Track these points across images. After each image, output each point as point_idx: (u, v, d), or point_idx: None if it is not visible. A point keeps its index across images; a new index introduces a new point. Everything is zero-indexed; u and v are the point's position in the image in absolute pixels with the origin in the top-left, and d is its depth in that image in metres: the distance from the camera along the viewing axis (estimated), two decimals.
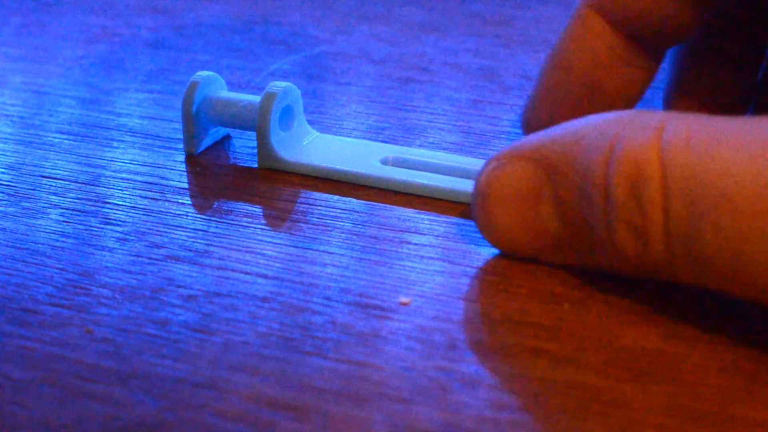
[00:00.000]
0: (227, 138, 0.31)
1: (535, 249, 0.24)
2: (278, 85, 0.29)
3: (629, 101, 0.27)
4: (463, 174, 0.28)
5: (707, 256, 0.20)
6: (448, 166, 0.29)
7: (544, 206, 0.24)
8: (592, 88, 0.27)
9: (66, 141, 0.31)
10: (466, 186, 0.27)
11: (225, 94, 0.30)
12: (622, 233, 0.22)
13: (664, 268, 0.22)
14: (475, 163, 0.29)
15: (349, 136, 0.31)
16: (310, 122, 0.32)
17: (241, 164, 0.30)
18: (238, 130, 0.31)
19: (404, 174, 0.28)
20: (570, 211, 0.23)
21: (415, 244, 0.26)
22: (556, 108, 0.27)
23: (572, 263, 0.24)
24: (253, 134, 0.31)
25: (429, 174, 0.28)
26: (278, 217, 0.27)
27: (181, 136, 0.31)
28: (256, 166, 0.30)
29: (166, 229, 0.26)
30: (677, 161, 0.21)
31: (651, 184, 0.21)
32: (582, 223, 0.23)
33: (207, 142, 0.31)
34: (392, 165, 0.29)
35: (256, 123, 0.29)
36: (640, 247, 0.22)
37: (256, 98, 0.29)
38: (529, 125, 0.28)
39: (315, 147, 0.30)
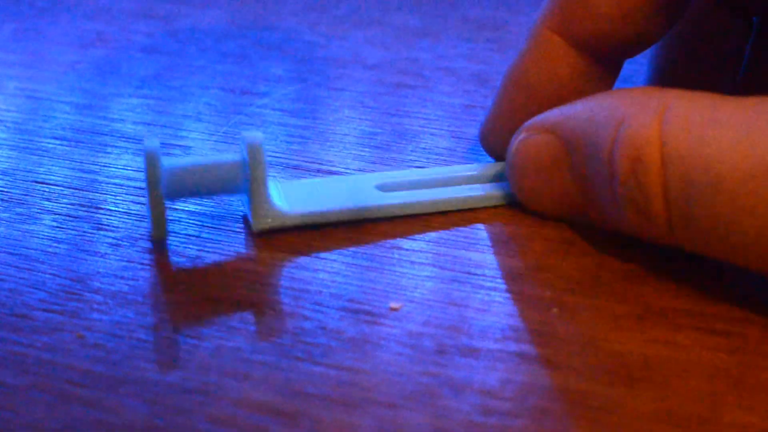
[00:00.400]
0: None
1: (561, 211, 0.26)
2: (254, 135, 0.25)
3: None
4: (459, 181, 0.29)
5: (704, 231, 0.22)
6: (440, 178, 0.29)
7: (565, 174, 0.25)
8: (552, 107, 0.27)
9: (60, 146, 0.31)
10: (471, 192, 0.28)
11: (191, 160, 0.25)
12: (626, 208, 0.23)
13: (667, 239, 0.23)
14: (463, 169, 0.29)
15: (341, 142, 0.32)
16: (303, 127, 0.32)
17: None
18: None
19: (411, 196, 0.28)
20: (584, 181, 0.25)
21: (406, 250, 0.26)
22: (516, 125, 0.27)
23: (596, 225, 0.26)
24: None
25: (433, 189, 0.28)
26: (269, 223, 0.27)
27: (173, 142, 0.31)
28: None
29: None
30: (676, 144, 0.22)
31: (651, 167, 0.22)
32: (595, 194, 0.25)
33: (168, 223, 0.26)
34: (392, 189, 0.28)
35: (251, 181, 0.25)
36: (644, 221, 0.23)
37: (235, 156, 0.26)
38: (487, 142, 0.29)
39: (295, 194, 0.27)
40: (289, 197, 0.27)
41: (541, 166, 0.26)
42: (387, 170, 0.30)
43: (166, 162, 0.25)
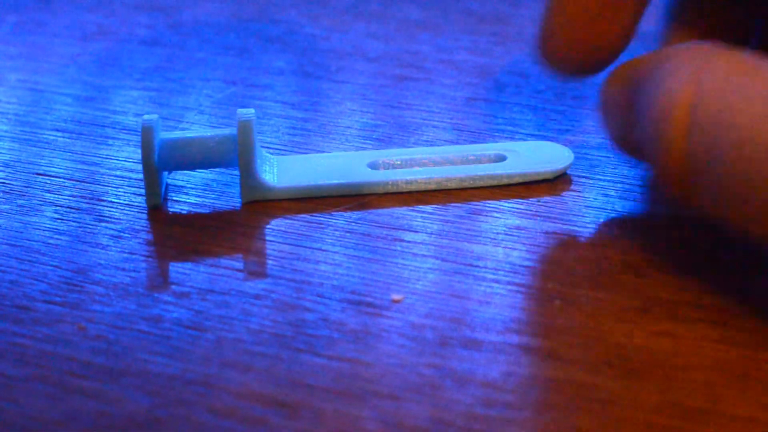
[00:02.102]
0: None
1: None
2: (246, 112, 0.27)
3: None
4: (454, 161, 0.29)
5: (720, 189, 0.22)
6: (435, 158, 0.29)
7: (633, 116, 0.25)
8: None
9: (61, 138, 0.31)
10: (462, 172, 0.28)
11: (185, 134, 0.27)
12: (654, 140, 0.23)
13: (685, 184, 0.23)
14: (458, 150, 0.29)
15: (342, 135, 0.31)
16: (304, 120, 0.32)
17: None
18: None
19: (400, 174, 0.28)
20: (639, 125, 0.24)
21: (408, 242, 0.26)
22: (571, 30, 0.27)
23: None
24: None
25: (423, 169, 0.29)
26: (271, 215, 0.27)
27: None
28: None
29: (159, 227, 0.27)
30: (706, 108, 0.22)
31: (678, 124, 0.22)
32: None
33: (163, 190, 0.28)
34: (383, 168, 0.29)
35: (240, 156, 0.27)
36: (667, 160, 0.23)
37: (225, 131, 0.27)
38: (545, 50, 0.27)
39: (289, 169, 0.28)
40: (282, 171, 0.28)
41: (618, 109, 0.26)
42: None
43: (163, 135, 0.27)
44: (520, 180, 0.28)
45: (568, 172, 0.29)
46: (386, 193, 0.28)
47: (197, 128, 0.32)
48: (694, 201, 0.23)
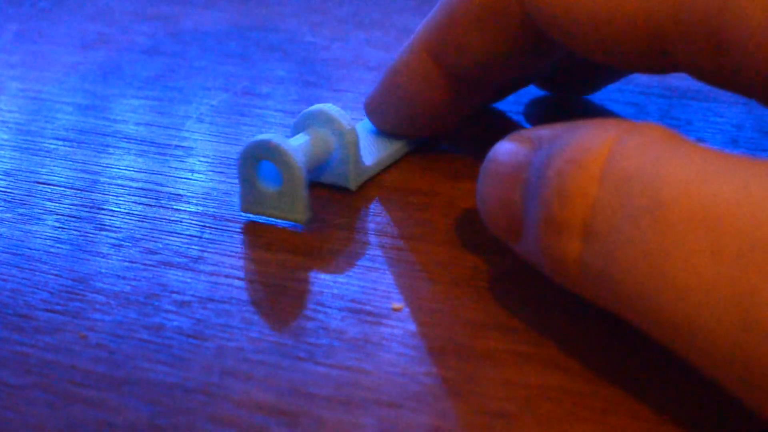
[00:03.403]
0: None
1: (501, 228, 0.23)
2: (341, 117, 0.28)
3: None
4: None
5: (625, 263, 0.19)
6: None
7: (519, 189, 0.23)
8: (415, 106, 0.30)
9: (62, 147, 0.32)
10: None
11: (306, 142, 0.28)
12: (543, 225, 0.21)
13: (576, 275, 0.21)
14: None
15: None
16: None
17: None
18: None
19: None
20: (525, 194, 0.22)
21: (408, 250, 0.26)
22: (393, 112, 0.30)
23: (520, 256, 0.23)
24: None
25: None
26: (271, 224, 0.27)
27: (175, 143, 0.31)
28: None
29: (160, 235, 0.27)
30: (621, 161, 0.20)
31: (588, 172, 0.20)
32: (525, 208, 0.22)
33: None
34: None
35: (346, 152, 0.28)
36: (555, 242, 0.21)
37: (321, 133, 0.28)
38: (372, 116, 0.31)
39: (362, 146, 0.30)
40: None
41: (504, 175, 0.23)
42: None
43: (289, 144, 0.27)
44: None
45: None
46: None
47: (197, 143, 0.32)
48: (585, 278, 0.21)
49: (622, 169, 0.20)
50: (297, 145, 0.27)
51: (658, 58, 0.25)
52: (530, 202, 0.22)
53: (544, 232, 0.21)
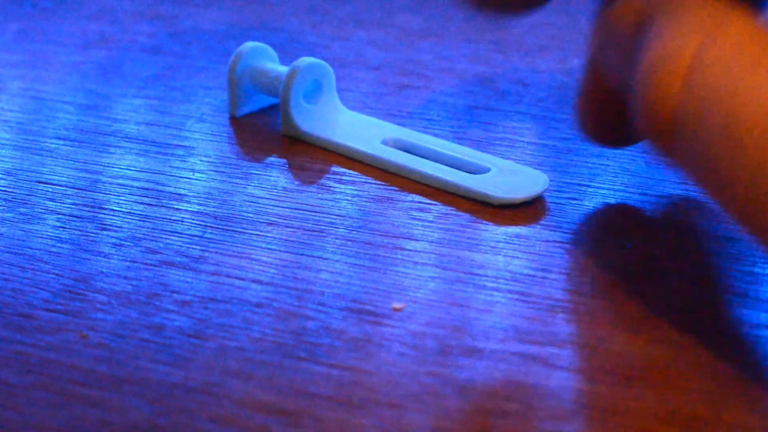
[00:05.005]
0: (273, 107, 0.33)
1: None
2: (306, 60, 0.31)
3: None
4: (463, 167, 0.29)
5: (701, 153, 0.21)
6: (451, 156, 0.30)
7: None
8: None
9: (63, 147, 0.32)
10: (463, 180, 0.29)
11: (264, 64, 0.33)
12: (648, 83, 0.22)
13: (668, 136, 0.22)
14: (468, 153, 0.30)
15: None
16: None
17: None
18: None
19: (401, 158, 0.30)
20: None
21: (409, 250, 0.26)
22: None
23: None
24: None
25: (427, 162, 0.30)
26: (273, 223, 0.27)
27: (176, 142, 0.31)
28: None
29: (161, 235, 0.27)
30: (709, 67, 0.21)
31: (677, 72, 0.22)
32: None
33: (249, 108, 0.33)
34: (393, 146, 0.31)
35: (281, 94, 0.31)
36: (656, 107, 0.22)
37: (285, 69, 0.32)
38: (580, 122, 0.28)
39: (335, 121, 0.32)
40: (329, 121, 0.32)
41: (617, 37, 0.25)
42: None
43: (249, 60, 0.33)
44: (498, 203, 0.28)
45: (568, 180, 0.29)
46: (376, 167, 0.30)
47: (198, 142, 0.32)
48: (673, 155, 0.22)
49: (706, 75, 0.21)
50: (256, 64, 0.32)
51: None
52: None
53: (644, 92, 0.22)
